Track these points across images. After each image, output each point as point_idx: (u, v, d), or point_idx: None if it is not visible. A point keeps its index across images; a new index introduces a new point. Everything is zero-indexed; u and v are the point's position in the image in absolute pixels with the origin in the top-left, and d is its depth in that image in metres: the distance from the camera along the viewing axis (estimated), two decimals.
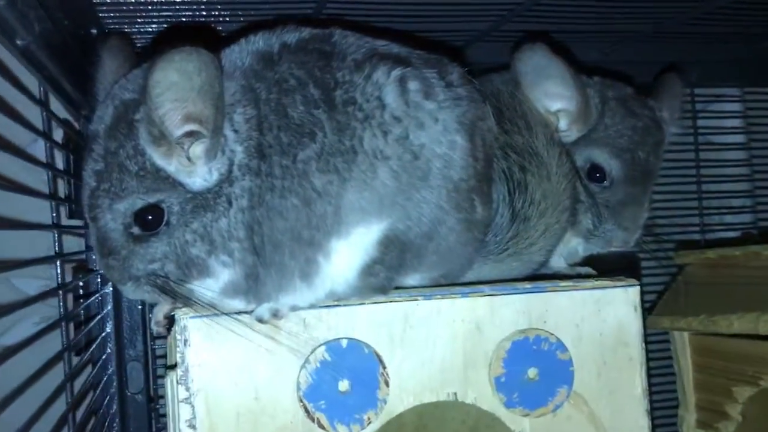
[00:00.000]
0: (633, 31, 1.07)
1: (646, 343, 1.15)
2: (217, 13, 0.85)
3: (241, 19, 0.87)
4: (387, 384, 0.71)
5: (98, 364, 0.95)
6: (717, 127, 1.29)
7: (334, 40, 0.69)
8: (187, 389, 0.68)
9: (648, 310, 1.14)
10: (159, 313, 0.71)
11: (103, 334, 0.97)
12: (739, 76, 1.28)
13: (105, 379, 0.97)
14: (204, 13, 0.85)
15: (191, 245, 0.63)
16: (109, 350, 0.97)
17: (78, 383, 0.92)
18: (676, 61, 1.14)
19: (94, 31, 0.83)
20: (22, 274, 1.13)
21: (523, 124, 0.79)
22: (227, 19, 0.87)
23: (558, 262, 0.87)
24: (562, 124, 0.83)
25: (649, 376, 1.17)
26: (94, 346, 0.93)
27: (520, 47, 0.81)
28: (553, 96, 0.82)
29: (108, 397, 0.96)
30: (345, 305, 0.70)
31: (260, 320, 0.67)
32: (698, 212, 1.22)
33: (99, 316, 0.96)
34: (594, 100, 0.83)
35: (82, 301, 0.95)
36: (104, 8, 0.82)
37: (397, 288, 0.73)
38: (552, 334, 0.74)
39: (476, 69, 0.92)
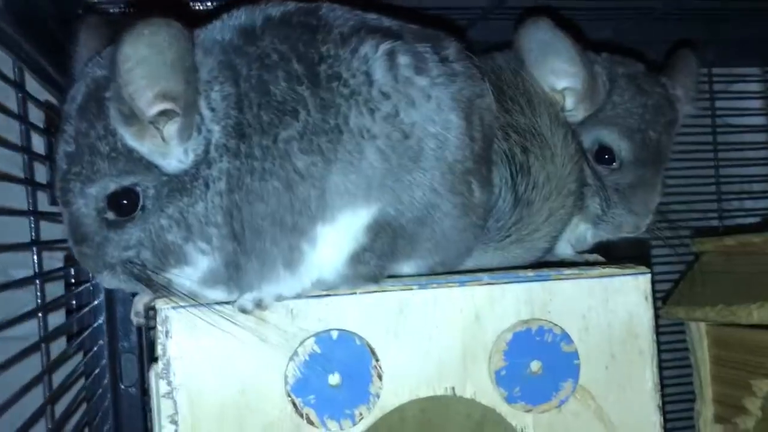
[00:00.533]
0: (646, 7, 1.02)
1: (659, 334, 1.13)
2: None
3: None
4: (380, 378, 0.67)
5: (88, 355, 0.92)
6: (736, 108, 1.24)
7: (321, 13, 0.65)
8: (169, 383, 0.64)
9: (663, 299, 1.10)
10: (139, 303, 0.68)
11: (95, 325, 0.94)
12: (760, 55, 1.22)
13: (98, 371, 0.94)
14: None
15: (167, 231, 0.60)
16: (101, 342, 0.94)
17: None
18: (692, 40, 1.09)
19: (80, 11, 0.80)
20: (21, 264, 1.10)
21: (526, 103, 0.74)
22: None
23: (565, 249, 0.83)
24: (569, 102, 0.79)
25: (664, 368, 1.15)
26: (84, 335, 0.90)
27: (523, 22, 0.77)
28: (559, 73, 0.77)
29: (101, 389, 0.94)
30: (335, 295, 0.67)
31: (243, 311, 0.63)
32: (716, 197, 1.17)
33: (90, 306, 0.93)
34: (602, 77, 0.79)
35: (73, 288, 0.92)
36: None
37: (391, 276, 0.69)
38: (556, 324, 0.70)
39: (480, 48, 0.88)
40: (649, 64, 0.85)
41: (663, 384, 1.15)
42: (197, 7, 0.85)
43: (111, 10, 0.83)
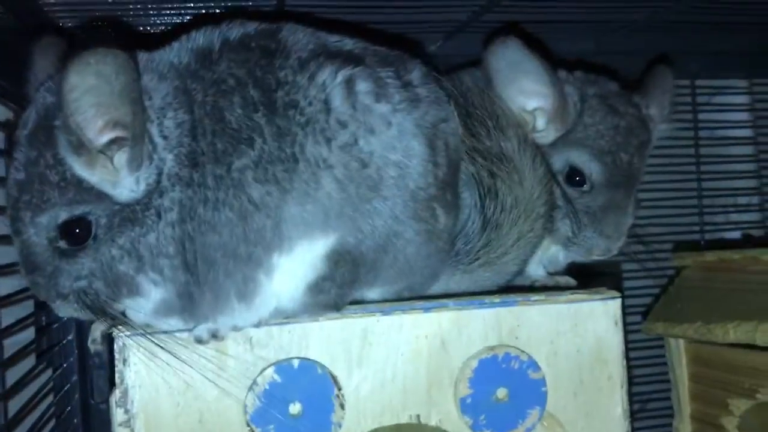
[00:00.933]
0: (628, 20, 1.01)
1: (641, 348, 1.12)
2: (169, 5, 0.80)
3: (194, 11, 0.82)
4: (342, 407, 0.66)
5: (57, 372, 0.91)
6: (723, 120, 1.22)
7: (280, 36, 0.63)
8: (126, 412, 0.64)
9: (643, 313, 1.09)
10: (96, 331, 0.67)
11: (65, 342, 0.93)
12: (746, 67, 1.21)
13: (68, 387, 0.93)
14: (154, 5, 0.79)
15: (118, 261, 0.59)
16: (71, 359, 0.93)
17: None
18: (677, 52, 1.07)
19: (39, 26, 0.78)
20: None
21: (493, 126, 0.73)
22: (181, 11, 0.81)
23: (537, 271, 0.82)
24: (539, 123, 0.78)
25: (646, 383, 1.14)
26: (53, 351, 0.89)
27: (492, 42, 0.75)
28: (529, 93, 0.76)
29: (70, 407, 0.92)
30: (297, 323, 0.66)
31: (199, 341, 0.62)
32: (698, 211, 1.16)
33: (59, 322, 0.92)
34: (573, 97, 0.78)
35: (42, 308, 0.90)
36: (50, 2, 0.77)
37: (355, 303, 0.68)
38: (523, 351, 0.69)
39: (456, 63, 0.87)
40: (624, 82, 0.84)
41: (645, 399, 1.15)
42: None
43: (70, 25, 0.81)
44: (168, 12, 0.82)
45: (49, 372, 0.93)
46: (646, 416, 1.15)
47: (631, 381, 1.12)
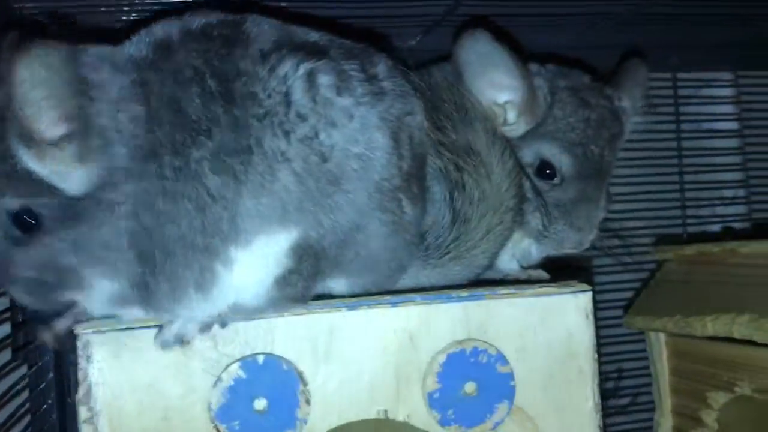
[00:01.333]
0: (609, 12, 1.00)
1: (624, 342, 1.12)
2: None
3: (167, 5, 0.81)
4: (308, 402, 0.66)
5: (32, 369, 0.91)
6: (707, 113, 1.22)
7: (244, 26, 0.63)
8: (90, 409, 0.64)
9: (625, 308, 1.09)
10: (57, 325, 0.66)
11: None
12: (730, 60, 1.20)
13: (44, 385, 0.92)
14: None
15: (65, 254, 0.59)
16: (47, 357, 0.93)
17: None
18: (660, 45, 1.07)
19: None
20: None
21: (461, 120, 0.73)
22: (154, 5, 0.81)
23: (510, 264, 0.82)
24: (510, 116, 0.77)
25: (631, 377, 1.14)
26: (28, 348, 0.89)
27: (461, 35, 0.75)
28: (499, 86, 0.76)
29: (46, 405, 0.92)
30: (263, 318, 0.65)
31: (165, 346, 0.62)
32: (680, 204, 1.15)
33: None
34: (543, 90, 0.77)
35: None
36: None
37: (321, 297, 0.68)
38: (492, 345, 0.69)
39: (432, 56, 0.86)
40: (597, 75, 0.83)
41: (635, 392, 1.14)
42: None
43: (38, 19, 0.81)
44: (139, 6, 0.81)
45: (24, 369, 0.93)
46: (636, 409, 1.15)
47: (622, 374, 1.12)
